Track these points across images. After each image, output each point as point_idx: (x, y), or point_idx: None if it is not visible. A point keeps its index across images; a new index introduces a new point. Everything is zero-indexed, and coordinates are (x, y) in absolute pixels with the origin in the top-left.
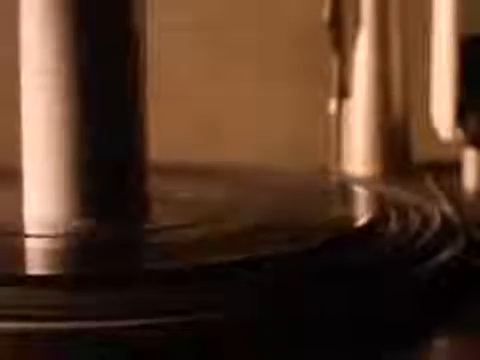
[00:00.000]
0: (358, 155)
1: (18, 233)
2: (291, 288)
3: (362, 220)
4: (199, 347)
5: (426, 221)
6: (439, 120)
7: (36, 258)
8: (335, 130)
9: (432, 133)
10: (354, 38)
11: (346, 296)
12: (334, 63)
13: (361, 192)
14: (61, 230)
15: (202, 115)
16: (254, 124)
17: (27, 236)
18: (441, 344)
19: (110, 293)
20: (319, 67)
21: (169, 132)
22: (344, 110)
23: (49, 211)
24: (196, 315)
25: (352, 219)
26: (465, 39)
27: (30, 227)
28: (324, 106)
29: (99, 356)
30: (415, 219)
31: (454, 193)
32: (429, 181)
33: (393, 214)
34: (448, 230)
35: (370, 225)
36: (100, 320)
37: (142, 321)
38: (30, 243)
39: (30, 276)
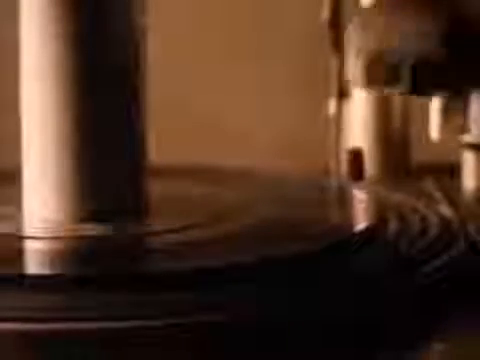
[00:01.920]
0: None
1: (17, 234)
2: (289, 290)
3: (361, 223)
4: (199, 348)
5: (425, 223)
6: (430, 120)
7: (36, 259)
8: (335, 131)
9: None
10: None
11: (347, 299)
12: (334, 63)
13: (360, 194)
14: (61, 231)
15: (202, 116)
16: (253, 125)
17: (27, 237)
18: (441, 346)
19: (110, 294)
20: (319, 67)
21: (169, 133)
22: (344, 111)
23: (49, 213)
24: (197, 316)
25: (351, 222)
26: None
27: (29, 228)
28: (324, 106)
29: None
30: (414, 221)
31: (453, 195)
32: (428, 183)
33: (392, 217)
34: (447, 232)
35: (369, 228)
36: (100, 321)
37: (142, 322)
38: (30, 244)
39: (30, 277)
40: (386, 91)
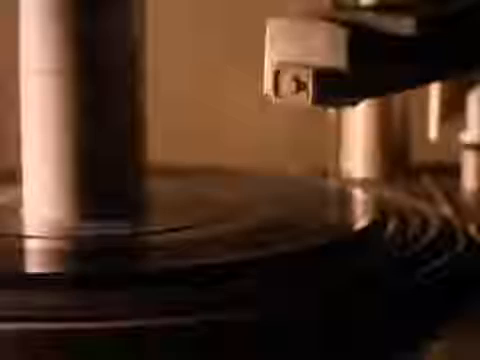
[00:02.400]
0: (357, 156)
1: (17, 234)
2: (289, 290)
3: (361, 223)
4: (199, 347)
5: (425, 223)
6: (429, 119)
7: (36, 258)
8: (335, 131)
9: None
10: None
11: (346, 298)
12: None
13: (360, 194)
14: (61, 231)
15: (201, 116)
16: (253, 124)
17: (27, 237)
18: (441, 346)
19: (110, 293)
20: None
21: (169, 133)
22: (344, 111)
23: (48, 212)
24: (197, 315)
25: (351, 222)
26: None
27: (29, 228)
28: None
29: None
30: (414, 221)
31: (453, 195)
32: (428, 183)
33: (392, 217)
34: (447, 232)
35: (369, 228)
36: (100, 320)
37: (142, 322)
38: (29, 244)
39: (30, 276)
40: (293, 102)
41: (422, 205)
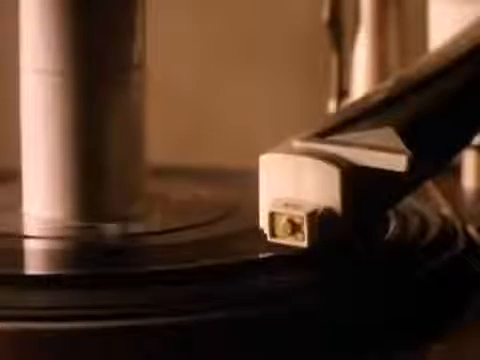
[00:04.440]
0: None
1: (17, 234)
2: (289, 290)
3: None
4: (200, 347)
5: (425, 223)
6: None
7: (35, 259)
8: None
9: None
10: (354, 38)
11: (346, 298)
12: (334, 63)
13: None
14: (61, 231)
15: (202, 116)
16: (253, 125)
17: (26, 237)
18: (441, 346)
19: (110, 294)
20: (319, 67)
21: (170, 132)
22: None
23: (49, 212)
24: (197, 316)
25: None
26: None
27: (30, 228)
28: (324, 106)
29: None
30: (414, 221)
31: (453, 195)
32: (429, 183)
33: (392, 217)
34: (447, 232)
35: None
36: (100, 320)
37: (142, 322)
38: (29, 244)
39: (29, 277)
40: (290, 243)
41: (422, 205)
